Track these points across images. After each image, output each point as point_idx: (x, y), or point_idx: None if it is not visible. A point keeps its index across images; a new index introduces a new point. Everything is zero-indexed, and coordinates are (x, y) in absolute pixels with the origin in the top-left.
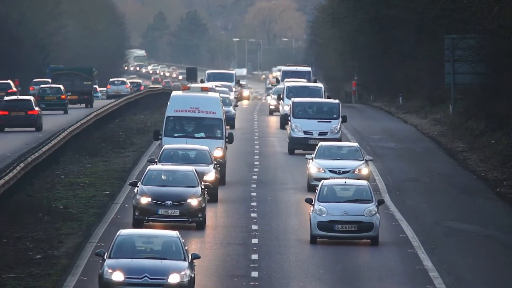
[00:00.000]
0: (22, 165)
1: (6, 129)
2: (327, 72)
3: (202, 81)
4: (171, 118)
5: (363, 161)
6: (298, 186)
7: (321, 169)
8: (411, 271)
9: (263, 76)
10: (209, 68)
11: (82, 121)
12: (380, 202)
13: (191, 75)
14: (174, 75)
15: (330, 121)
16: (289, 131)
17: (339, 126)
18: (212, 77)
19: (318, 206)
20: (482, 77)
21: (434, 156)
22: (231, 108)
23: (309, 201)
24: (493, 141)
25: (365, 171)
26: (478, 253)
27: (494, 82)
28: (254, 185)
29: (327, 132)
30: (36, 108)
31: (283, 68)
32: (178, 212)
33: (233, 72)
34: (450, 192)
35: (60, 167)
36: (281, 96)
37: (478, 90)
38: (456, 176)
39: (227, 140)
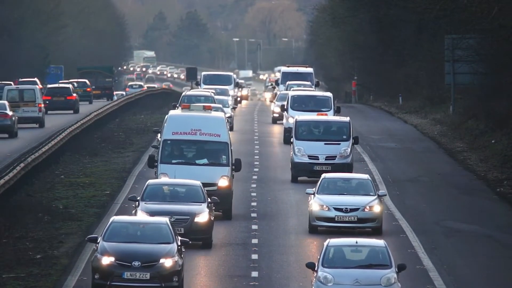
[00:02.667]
0: (22, 165)
1: (49, 112)
2: (327, 72)
3: (197, 84)
4: (169, 142)
5: (375, 197)
6: (298, 186)
7: (324, 206)
8: (411, 271)
9: (265, 75)
10: (209, 68)
11: (82, 121)
12: (401, 268)
13: (191, 75)
14: (182, 77)
15: (339, 143)
16: (291, 155)
17: (349, 149)
18: (208, 80)
19: (322, 272)
20: (482, 77)
21: (434, 156)
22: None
23: (311, 266)
24: (493, 141)
25: (377, 208)
26: (478, 253)
27: (494, 82)
28: (254, 185)
29: (336, 156)
30: (74, 94)
31: (283, 69)
32: (148, 276)
33: (231, 74)
34: (450, 192)
35: (60, 167)
36: (285, 106)
37: (478, 90)
38: (456, 176)
39: (233, 167)
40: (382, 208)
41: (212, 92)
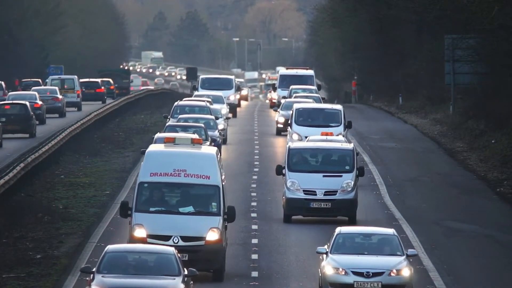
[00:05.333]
0: (22, 165)
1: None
2: (327, 72)
3: (194, 88)
4: (146, 185)
5: (403, 257)
6: None
7: (340, 269)
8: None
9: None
10: (210, 68)
11: (82, 121)
12: None
13: (191, 75)
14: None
15: (341, 175)
16: (284, 190)
17: (353, 182)
18: (207, 84)
19: None
20: (482, 77)
21: (434, 156)
22: (215, 132)
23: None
24: (493, 141)
25: (406, 272)
26: (478, 253)
27: (494, 82)
28: (254, 185)
29: (337, 191)
30: (102, 87)
31: (281, 71)
32: None
33: (232, 77)
34: (450, 192)
35: (60, 167)
36: (289, 121)
37: (478, 90)
38: (456, 176)
39: (226, 217)
40: (411, 272)
41: (207, 101)
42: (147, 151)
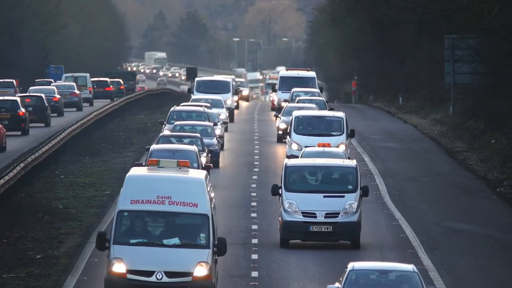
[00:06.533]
0: (22, 165)
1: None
2: (327, 72)
3: (189, 91)
4: (126, 213)
5: None
6: None
7: None
8: None
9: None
10: (209, 68)
11: (82, 121)
12: None
13: (191, 75)
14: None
15: (343, 196)
16: (280, 211)
17: (356, 203)
18: (202, 87)
19: None
20: (482, 77)
21: (434, 156)
22: (213, 140)
23: None
24: (493, 141)
25: None
26: (478, 253)
27: (494, 82)
28: (254, 185)
29: (339, 213)
30: (111, 86)
31: (281, 72)
32: None
33: (229, 80)
34: (450, 192)
35: (60, 167)
36: (288, 129)
37: (478, 90)
38: (456, 176)
39: (216, 249)
40: None
41: (205, 106)
42: (127, 175)
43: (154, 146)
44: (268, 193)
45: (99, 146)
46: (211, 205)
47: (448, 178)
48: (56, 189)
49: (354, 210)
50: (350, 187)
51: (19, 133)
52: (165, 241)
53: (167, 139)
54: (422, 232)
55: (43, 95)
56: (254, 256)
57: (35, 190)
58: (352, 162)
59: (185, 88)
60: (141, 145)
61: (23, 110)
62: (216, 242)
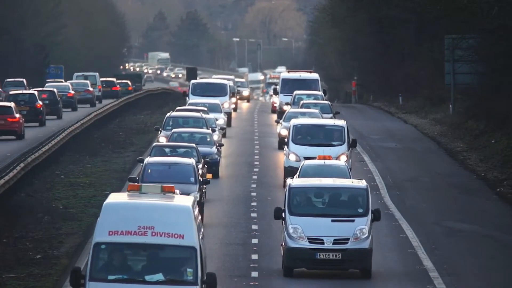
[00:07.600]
0: (22, 165)
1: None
2: (327, 72)
3: (185, 94)
4: (103, 246)
5: None
6: None
7: None
8: (411, 271)
9: (268, 75)
10: (210, 68)
11: (82, 121)
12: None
13: (191, 76)
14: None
15: (353, 220)
16: (283, 236)
17: (367, 228)
18: (198, 89)
19: None
20: (482, 77)
21: (434, 156)
22: (213, 149)
23: None
24: (493, 141)
25: None
26: (478, 253)
27: (494, 82)
28: (254, 185)
29: (348, 240)
30: (118, 85)
31: (283, 74)
32: None
33: (226, 82)
34: (450, 192)
35: (60, 167)
36: (286, 139)
37: (478, 90)
38: (456, 176)
39: (204, 286)
40: None
41: (202, 111)
42: (105, 202)
43: (148, 159)
44: (268, 193)
45: (99, 146)
46: (199, 236)
47: (448, 178)
48: (56, 189)
49: (365, 235)
50: (360, 210)
51: (37, 124)
52: (147, 277)
53: (160, 150)
54: (422, 232)
55: (55, 90)
56: (254, 256)
57: (35, 190)
58: (362, 183)
59: (174, 84)
60: (141, 145)
61: (40, 103)
62: (205, 278)
